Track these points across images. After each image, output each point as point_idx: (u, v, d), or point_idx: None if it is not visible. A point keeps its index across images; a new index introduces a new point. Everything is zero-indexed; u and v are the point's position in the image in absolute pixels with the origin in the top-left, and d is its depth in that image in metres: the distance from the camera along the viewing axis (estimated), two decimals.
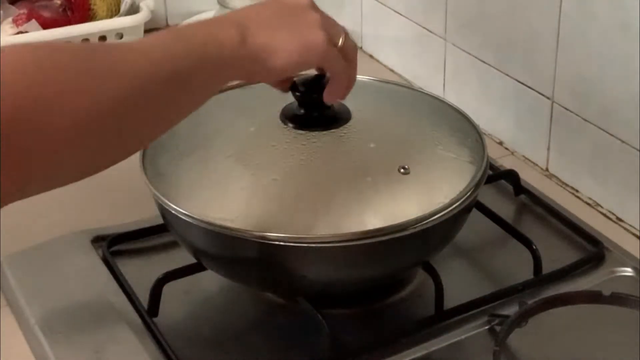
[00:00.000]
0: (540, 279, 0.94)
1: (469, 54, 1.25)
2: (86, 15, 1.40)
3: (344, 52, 0.85)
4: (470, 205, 0.89)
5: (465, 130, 1.00)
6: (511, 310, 0.87)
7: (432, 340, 0.86)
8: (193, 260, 0.91)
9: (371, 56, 1.47)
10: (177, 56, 0.73)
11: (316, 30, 0.82)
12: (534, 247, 0.96)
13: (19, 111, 0.61)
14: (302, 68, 0.84)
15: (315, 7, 0.85)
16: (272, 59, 0.80)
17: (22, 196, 0.68)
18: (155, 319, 0.89)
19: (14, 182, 0.64)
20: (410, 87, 1.07)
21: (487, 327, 0.87)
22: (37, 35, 1.34)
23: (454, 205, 0.87)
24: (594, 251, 0.99)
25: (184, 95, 0.75)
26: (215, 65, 0.77)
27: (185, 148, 1.00)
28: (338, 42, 0.85)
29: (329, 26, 0.84)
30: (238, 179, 0.92)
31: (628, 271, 0.97)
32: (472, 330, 0.88)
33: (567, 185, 1.13)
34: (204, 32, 0.78)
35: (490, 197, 1.05)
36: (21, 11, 1.37)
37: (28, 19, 1.35)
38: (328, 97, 0.89)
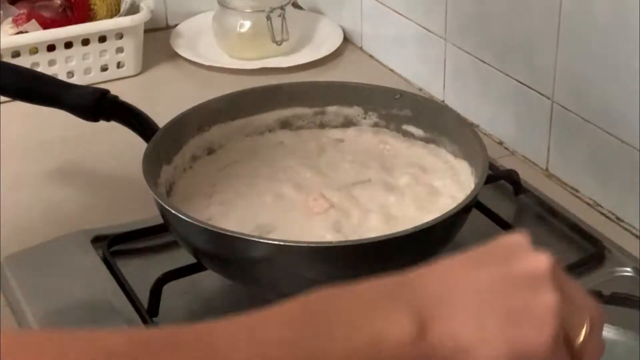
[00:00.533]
0: None
1: (469, 54, 1.24)
2: (86, 15, 1.40)
3: (580, 355, 0.56)
4: (470, 205, 0.89)
5: (465, 130, 1.00)
6: None
7: None
8: (193, 260, 0.91)
9: (371, 56, 1.47)
10: None
11: (545, 322, 0.53)
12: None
13: None
14: None
15: (555, 276, 0.55)
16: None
17: None
18: (155, 319, 0.89)
19: None
20: (407, 91, 1.07)
21: None
22: (37, 35, 1.34)
23: (454, 206, 0.87)
24: (594, 251, 0.99)
25: None
26: None
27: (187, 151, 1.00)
28: (577, 339, 0.56)
29: (569, 313, 0.55)
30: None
31: (628, 271, 0.97)
32: None
33: (567, 185, 1.13)
34: (360, 323, 0.51)
35: (490, 197, 1.05)
36: (21, 11, 1.37)
37: (28, 19, 1.35)
38: None
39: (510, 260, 0.55)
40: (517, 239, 0.57)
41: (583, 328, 0.56)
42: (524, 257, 0.55)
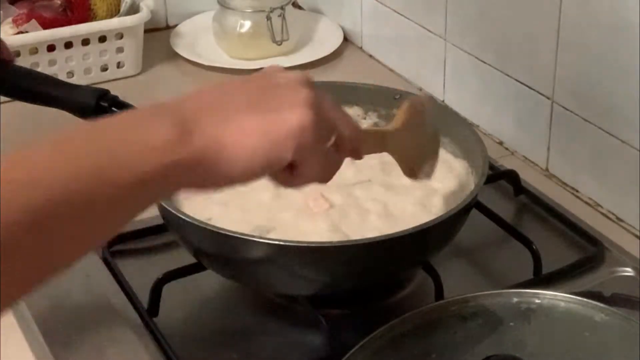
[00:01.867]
0: (540, 279, 0.94)
1: (469, 54, 1.24)
2: (86, 15, 1.40)
3: (341, 146, 0.66)
4: (470, 205, 0.89)
5: (465, 130, 1.00)
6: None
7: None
8: (193, 260, 0.91)
9: (371, 56, 1.47)
10: (70, 177, 0.52)
11: (296, 108, 0.61)
12: (534, 247, 0.96)
13: None
14: (267, 170, 0.62)
15: (309, 84, 0.64)
16: (223, 162, 0.58)
17: None
18: (155, 319, 0.90)
19: None
20: (407, 91, 1.07)
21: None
22: (37, 35, 1.34)
23: (453, 206, 0.87)
24: (594, 251, 0.99)
25: (81, 226, 0.54)
26: (131, 183, 0.55)
27: None
28: (331, 136, 0.64)
29: (324, 112, 0.63)
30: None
31: (628, 271, 0.97)
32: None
33: (567, 185, 1.13)
34: (121, 132, 0.56)
35: (490, 197, 1.05)
36: (21, 11, 1.37)
37: (28, 19, 1.35)
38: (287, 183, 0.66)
39: (271, 77, 0.63)
40: (274, 67, 0.66)
41: (342, 126, 0.64)
42: (284, 73, 0.64)
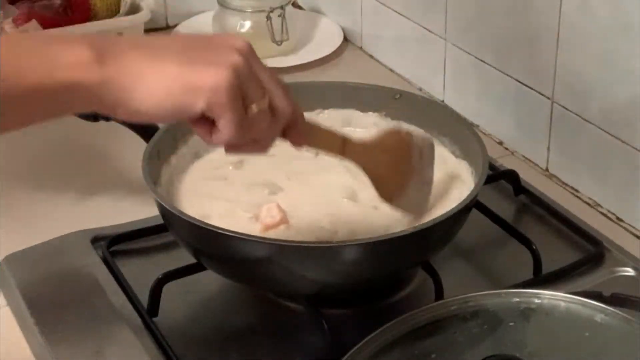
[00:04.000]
0: (540, 279, 0.94)
1: (469, 54, 1.25)
2: (86, 15, 1.40)
3: (257, 122, 0.68)
4: (470, 205, 0.89)
5: (465, 130, 1.00)
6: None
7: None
8: (193, 260, 0.91)
9: (371, 56, 1.47)
10: None
11: (219, 68, 0.64)
12: (534, 247, 0.96)
13: None
14: (180, 114, 0.65)
15: (246, 52, 0.68)
16: (136, 93, 0.62)
17: None
18: (155, 319, 0.90)
19: None
20: (407, 91, 1.07)
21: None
22: None
23: (453, 205, 0.87)
24: (594, 251, 0.99)
25: None
26: (38, 92, 0.60)
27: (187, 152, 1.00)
28: (252, 103, 0.67)
29: (252, 80, 0.67)
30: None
31: (628, 271, 0.97)
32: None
33: (567, 185, 1.13)
34: (34, 48, 0.61)
35: (490, 197, 1.05)
36: (21, 11, 1.37)
37: (28, 19, 1.35)
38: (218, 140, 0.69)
39: (215, 37, 0.69)
40: (228, 33, 0.70)
41: (261, 100, 0.67)
42: (226, 37, 0.69)
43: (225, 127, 0.67)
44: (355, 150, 0.83)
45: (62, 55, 0.61)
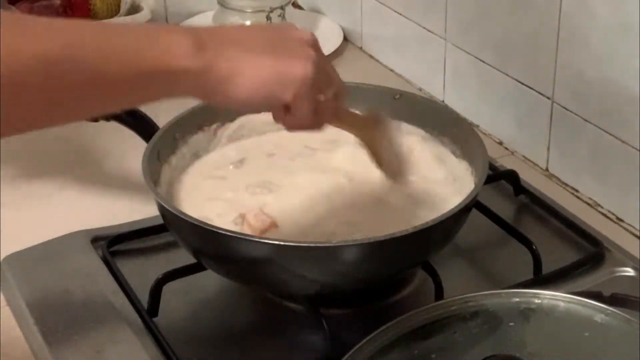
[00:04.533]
0: (540, 279, 0.94)
1: (469, 54, 1.25)
2: (86, 15, 1.40)
3: (323, 107, 0.76)
4: (470, 205, 0.89)
5: (465, 130, 1.00)
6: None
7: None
8: (193, 260, 0.91)
9: (371, 56, 1.47)
10: (103, 56, 0.63)
11: (303, 62, 0.72)
12: (534, 247, 0.96)
13: None
14: (270, 103, 0.73)
15: (316, 46, 0.76)
16: (234, 84, 0.69)
17: None
18: (155, 319, 0.90)
19: None
20: (407, 91, 1.07)
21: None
22: None
23: (453, 205, 0.87)
24: (594, 251, 0.99)
25: (98, 100, 0.66)
26: (150, 75, 0.65)
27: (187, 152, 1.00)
28: (325, 93, 0.76)
29: (324, 71, 0.75)
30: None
31: (628, 271, 0.97)
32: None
33: (567, 185, 1.13)
34: (146, 35, 0.66)
35: (490, 197, 1.05)
36: (21, 11, 1.37)
37: None
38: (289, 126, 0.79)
39: (286, 30, 0.75)
40: (289, 23, 0.78)
41: (332, 89, 0.76)
42: (297, 31, 0.75)
43: (302, 114, 0.74)
44: (360, 128, 0.89)
45: (171, 44, 0.66)
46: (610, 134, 1.05)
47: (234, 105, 0.72)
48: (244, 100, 0.71)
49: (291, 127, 0.78)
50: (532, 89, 1.15)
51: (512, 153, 1.21)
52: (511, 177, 1.09)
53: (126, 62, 0.64)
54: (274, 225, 0.91)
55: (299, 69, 0.72)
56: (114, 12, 1.42)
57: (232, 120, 1.03)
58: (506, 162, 1.16)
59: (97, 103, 0.67)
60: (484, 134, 1.24)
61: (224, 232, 0.83)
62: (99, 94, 0.65)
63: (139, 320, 0.90)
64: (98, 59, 0.63)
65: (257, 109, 0.78)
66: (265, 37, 0.73)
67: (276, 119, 0.77)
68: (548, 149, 1.15)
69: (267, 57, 0.71)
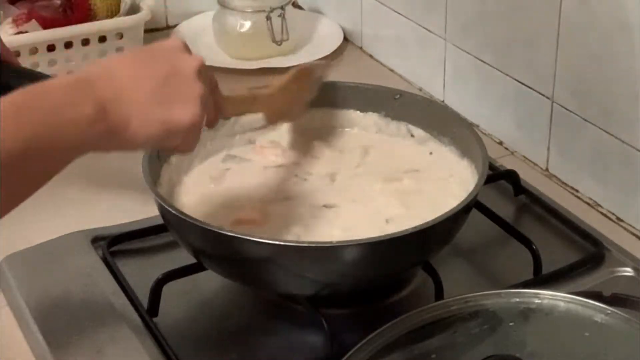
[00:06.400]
0: (540, 279, 0.94)
1: (469, 54, 1.25)
2: (86, 15, 1.40)
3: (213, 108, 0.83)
4: (470, 205, 0.89)
5: (465, 130, 1.00)
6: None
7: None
8: (193, 260, 0.91)
9: (371, 56, 1.47)
10: (7, 137, 0.67)
11: (193, 107, 0.77)
12: (534, 247, 0.96)
13: None
14: (164, 146, 0.81)
15: (202, 74, 0.79)
16: (129, 135, 0.74)
17: None
18: (155, 319, 0.90)
19: None
20: (407, 91, 1.07)
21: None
22: (37, 35, 1.34)
23: (453, 206, 0.87)
24: (594, 251, 0.99)
25: (17, 178, 0.71)
26: (58, 147, 0.72)
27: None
28: (210, 113, 0.82)
29: (209, 101, 0.80)
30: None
31: (628, 271, 0.97)
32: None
33: (567, 185, 1.13)
34: (51, 108, 0.71)
35: (490, 197, 1.05)
36: (21, 11, 1.37)
37: (28, 19, 1.35)
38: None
39: (171, 61, 0.77)
40: (174, 43, 0.79)
41: (213, 112, 0.82)
42: (182, 58, 0.78)
43: (189, 147, 0.81)
44: (263, 102, 0.94)
45: (78, 117, 0.71)
46: (610, 134, 1.05)
47: (136, 149, 0.78)
48: (141, 146, 0.77)
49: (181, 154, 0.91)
50: (532, 89, 1.15)
51: (512, 153, 1.21)
52: (511, 177, 1.09)
53: (54, 145, 0.72)
54: (259, 222, 0.92)
55: (187, 116, 0.76)
56: (114, 12, 1.42)
57: (228, 119, 1.04)
58: (506, 162, 1.16)
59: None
60: (484, 134, 1.24)
61: (224, 232, 0.83)
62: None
63: (139, 320, 0.90)
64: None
65: (155, 148, 0.87)
66: (151, 77, 0.76)
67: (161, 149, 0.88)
68: (548, 149, 1.15)
69: (154, 108, 0.75)
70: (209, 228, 0.83)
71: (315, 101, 1.05)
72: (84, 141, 0.73)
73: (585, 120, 1.08)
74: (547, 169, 1.16)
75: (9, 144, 0.67)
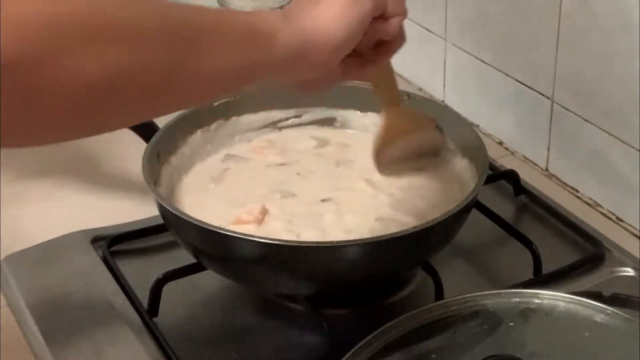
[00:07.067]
0: (540, 279, 0.94)
1: (469, 54, 1.25)
2: None
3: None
4: (470, 205, 0.89)
5: (465, 130, 1.00)
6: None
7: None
8: (193, 260, 0.91)
9: None
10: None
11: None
12: (534, 247, 0.96)
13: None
14: (363, 20, 0.81)
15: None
16: (325, 33, 0.74)
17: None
18: (155, 319, 0.90)
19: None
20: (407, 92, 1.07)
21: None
22: None
23: (453, 205, 0.87)
24: (594, 251, 0.99)
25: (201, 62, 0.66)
26: (250, 37, 0.69)
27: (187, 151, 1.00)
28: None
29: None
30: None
31: (628, 271, 0.97)
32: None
33: (567, 185, 1.13)
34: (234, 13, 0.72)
35: (490, 197, 1.05)
36: None
37: None
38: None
39: None
40: None
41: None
42: None
43: (397, 25, 0.90)
44: (395, 112, 0.91)
45: (262, 15, 0.72)
46: (610, 134, 1.05)
47: (329, 53, 0.76)
48: (338, 41, 0.76)
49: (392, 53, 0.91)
50: (532, 89, 1.15)
51: (512, 153, 1.21)
52: (511, 177, 1.09)
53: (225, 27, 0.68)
54: (264, 212, 0.91)
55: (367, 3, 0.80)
56: None
57: (227, 118, 1.04)
58: (506, 162, 1.17)
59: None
60: (484, 134, 1.24)
61: (224, 232, 0.83)
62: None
63: (139, 320, 0.90)
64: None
65: (350, 47, 0.79)
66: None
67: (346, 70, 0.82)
68: (548, 149, 1.15)
69: (346, 8, 0.77)
70: (208, 228, 0.83)
71: (315, 101, 1.06)
72: (274, 40, 0.71)
73: (585, 120, 1.08)
74: (547, 169, 1.16)
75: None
